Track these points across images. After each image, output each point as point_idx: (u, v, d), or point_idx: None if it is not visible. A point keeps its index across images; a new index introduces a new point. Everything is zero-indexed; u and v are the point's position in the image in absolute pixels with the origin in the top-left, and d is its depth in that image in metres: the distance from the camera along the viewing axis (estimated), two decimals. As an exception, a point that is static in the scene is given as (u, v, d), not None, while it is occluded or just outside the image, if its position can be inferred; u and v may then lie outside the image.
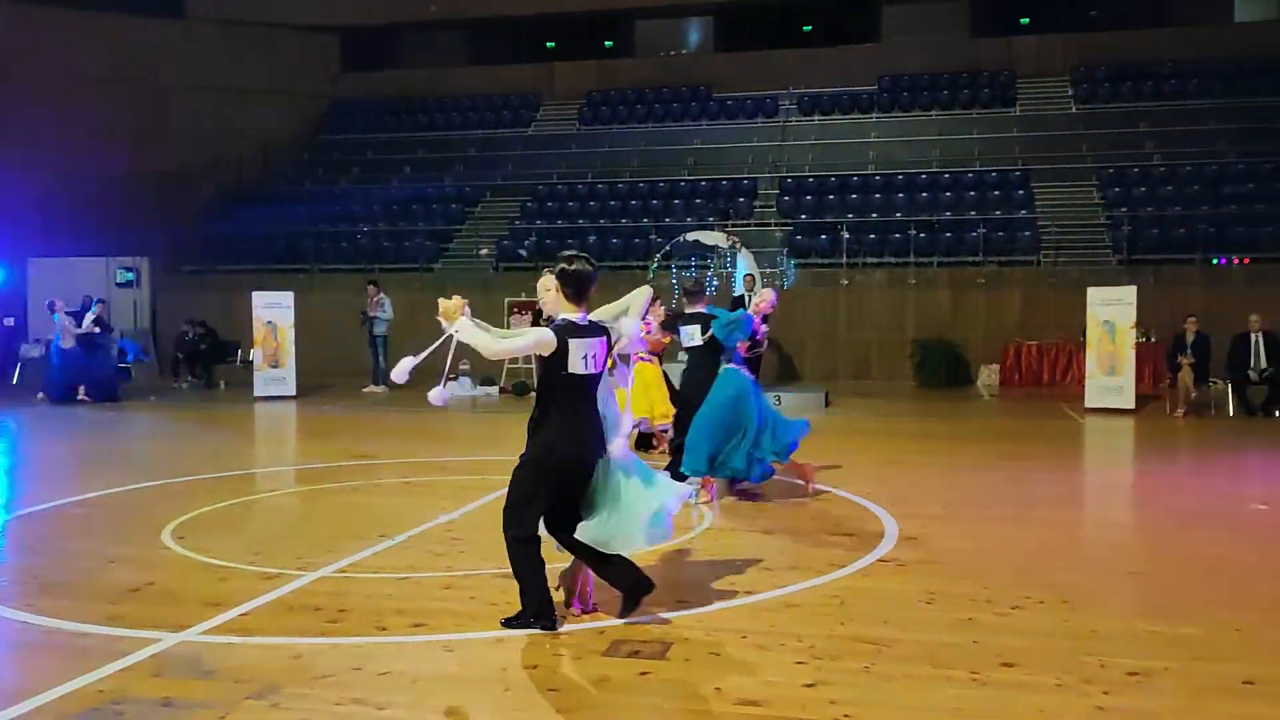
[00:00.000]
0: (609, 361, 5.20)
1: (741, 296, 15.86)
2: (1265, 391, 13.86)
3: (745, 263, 17.16)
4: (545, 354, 4.88)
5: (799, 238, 20.31)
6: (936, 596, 5.54)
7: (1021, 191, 20.91)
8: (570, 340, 4.86)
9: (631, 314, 5.23)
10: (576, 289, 4.96)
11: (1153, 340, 16.54)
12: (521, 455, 5.02)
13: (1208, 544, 6.91)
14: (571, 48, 28.49)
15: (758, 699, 4.16)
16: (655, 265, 18.51)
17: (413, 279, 20.37)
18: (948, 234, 19.76)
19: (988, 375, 18.20)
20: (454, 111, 27.28)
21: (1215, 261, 18.32)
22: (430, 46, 29.35)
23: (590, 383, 4.98)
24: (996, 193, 21.01)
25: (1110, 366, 14.50)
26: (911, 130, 23.63)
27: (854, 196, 21.63)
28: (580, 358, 4.88)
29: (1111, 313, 14.60)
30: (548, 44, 29.61)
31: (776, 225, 21.04)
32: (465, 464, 10.19)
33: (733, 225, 20.08)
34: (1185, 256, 18.39)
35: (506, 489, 5.05)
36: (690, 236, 18.17)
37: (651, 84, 26.83)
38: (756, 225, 20.88)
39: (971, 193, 21.07)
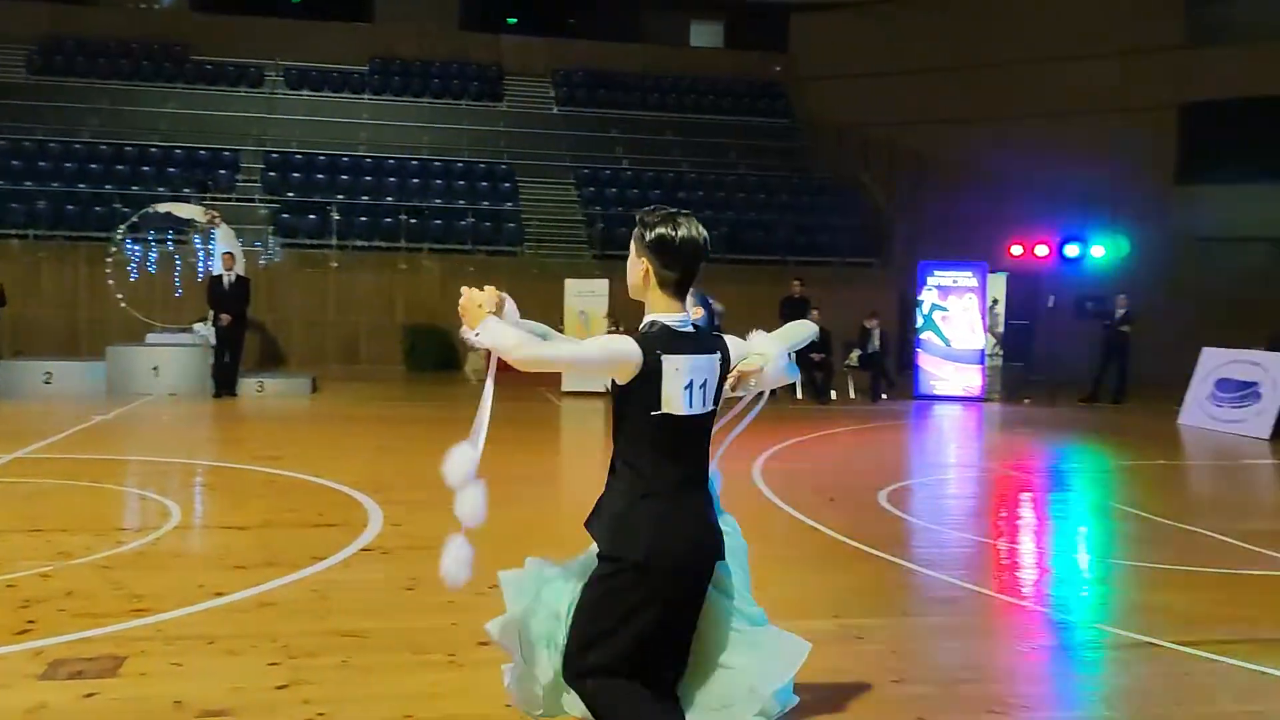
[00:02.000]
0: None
1: (220, 277, 14.83)
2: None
3: (224, 240, 16.09)
4: (624, 379, 2.85)
5: (285, 216, 19.50)
6: (418, 582, 5.56)
7: (508, 184, 21.82)
8: (665, 358, 2.83)
9: (778, 346, 3.24)
10: (681, 268, 2.89)
11: (621, 329, 18.01)
12: (599, 557, 3.00)
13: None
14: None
15: (224, 708, 3.88)
16: (119, 237, 16.74)
17: None
18: (438, 221, 20.07)
19: (475, 361, 18.74)
20: None
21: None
22: None
23: (698, 429, 2.95)
24: (485, 184, 21.73)
25: (584, 353, 15.58)
26: (403, 115, 23.65)
27: (344, 177, 21.20)
28: (681, 388, 2.84)
29: (586, 303, 15.73)
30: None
31: (261, 202, 20.02)
32: None
33: (212, 199, 18.75)
34: (648, 253, 20.27)
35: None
36: (162, 208, 16.74)
37: (118, 36, 24.19)
38: (239, 200, 19.71)
39: (461, 182, 21.59)
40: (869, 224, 21.95)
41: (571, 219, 21.36)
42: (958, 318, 16.87)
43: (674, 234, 2.85)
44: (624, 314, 17.91)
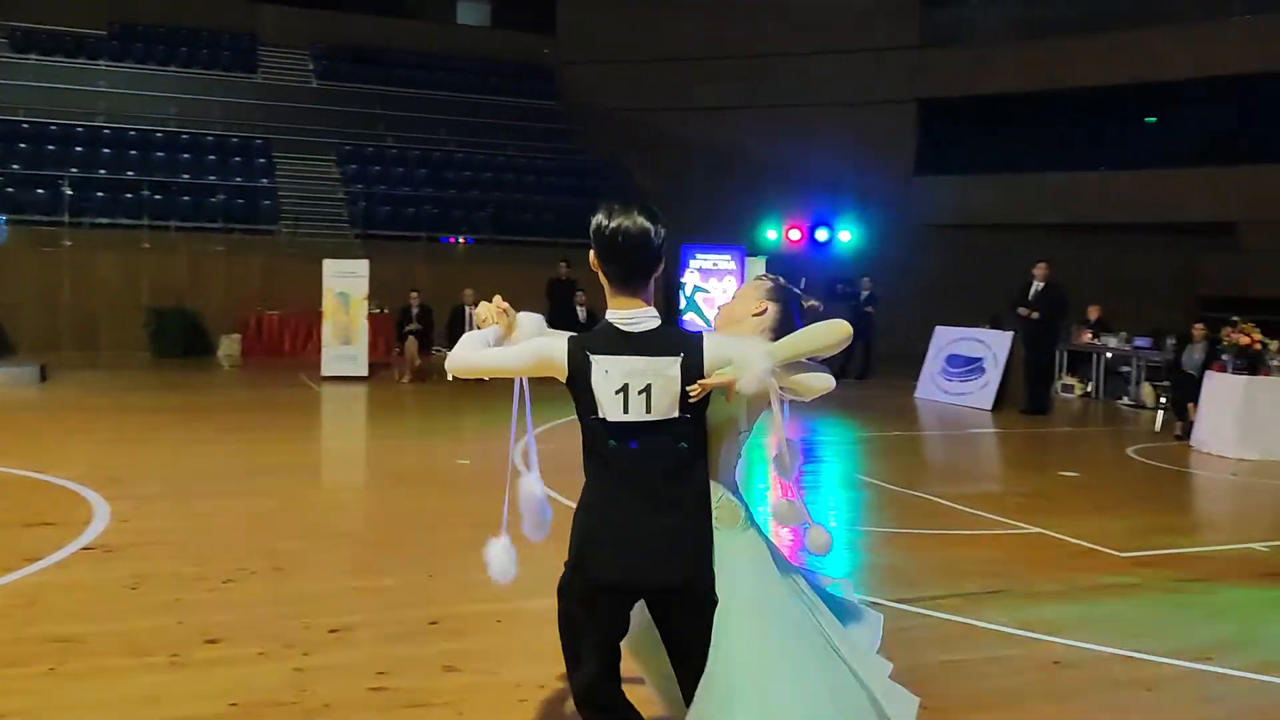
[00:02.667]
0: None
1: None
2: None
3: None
4: (562, 380, 2.70)
5: (10, 190, 17.88)
6: (143, 580, 5.25)
7: (263, 160, 20.83)
8: (595, 359, 2.64)
9: (764, 358, 2.68)
10: (617, 261, 2.68)
11: (384, 311, 17.63)
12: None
13: (416, 499, 7.55)
14: None
15: (-94, 730, 3.55)
16: None
17: None
18: (186, 197, 18.93)
19: (229, 345, 17.84)
20: None
21: (453, 240, 20.12)
22: None
23: (649, 438, 2.64)
24: (238, 159, 20.65)
25: (345, 336, 15.14)
26: (147, 84, 22.09)
27: (79, 149, 19.64)
28: (613, 392, 2.62)
29: (346, 284, 15.24)
30: None
31: (-19, 174, 18.28)
32: None
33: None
34: (413, 234, 19.90)
35: None
36: None
37: None
38: (-46, 172, 17.92)
39: (212, 157, 20.43)
40: (635, 207, 22.32)
41: (332, 197, 20.63)
42: (718, 300, 17.46)
43: (606, 224, 2.63)
44: (388, 295, 17.48)
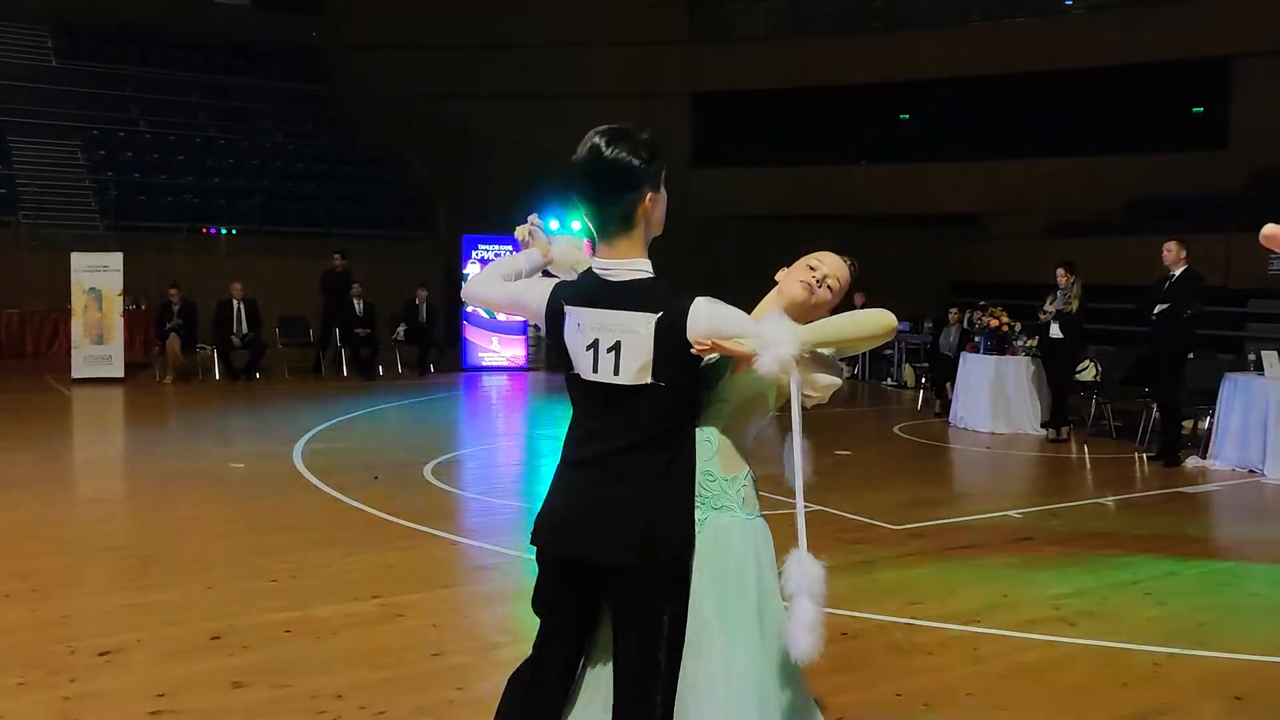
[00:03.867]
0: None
1: None
2: (246, 356, 14.81)
3: None
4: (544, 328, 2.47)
5: None
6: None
7: (-2, 144, 19.02)
8: (569, 309, 2.37)
9: (793, 338, 2.31)
10: (582, 196, 2.35)
11: (143, 307, 16.48)
12: None
13: (188, 506, 7.09)
14: None
15: None
16: None
17: None
18: (-96, 184, 17.06)
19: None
20: None
21: (215, 231, 18.95)
22: None
23: (617, 401, 2.33)
24: (-34, 142, 18.78)
25: (98, 335, 14.06)
26: None
27: None
28: (583, 347, 2.34)
29: (97, 279, 14.14)
30: None
31: None
32: None
33: None
34: (173, 225, 18.67)
35: None
36: None
37: None
38: None
39: (-65, 140, 18.49)
40: (413, 196, 21.82)
41: (78, 185, 19.08)
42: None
43: (575, 155, 2.31)
44: (145, 290, 16.36)
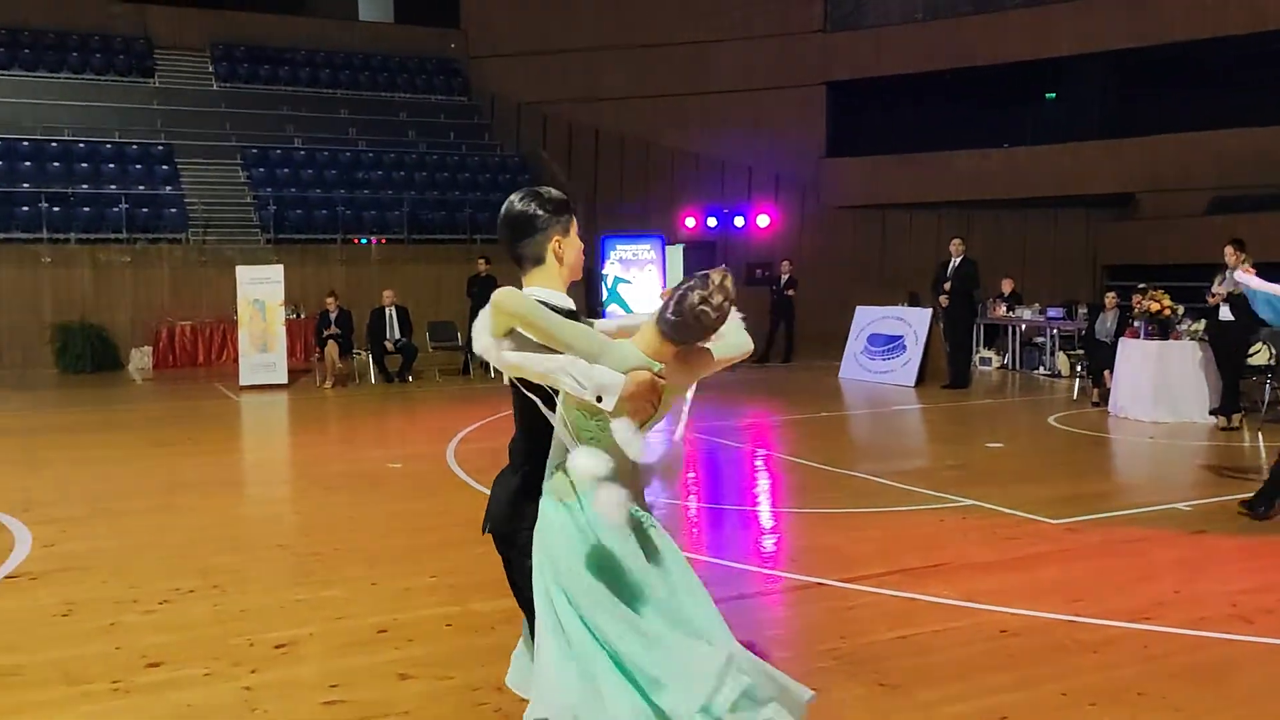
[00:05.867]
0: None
1: None
2: (399, 360, 15.35)
3: None
4: None
5: (-103, 208, 17.09)
6: (75, 606, 5.06)
7: (166, 166, 20.20)
8: None
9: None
10: (510, 245, 2.91)
11: (302, 316, 17.28)
12: None
13: (350, 507, 7.40)
14: None
15: None
16: None
17: None
18: (86, 208, 18.26)
19: (140, 359, 17.32)
20: None
21: (365, 241, 19.74)
22: None
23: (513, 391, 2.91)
24: (139, 166, 19.99)
25: (263, 343, 14.80)
26: (37, 92, 21.26)
27: (-32, 163, 18.83)
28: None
29: (261, 291, 14.88)
30: None
31: None
32: None
33: None
34: (327, 236, 19.51)
35: None
36: None
37: None
38: None
39: (111, 165, 19.75)
40: (552, 200, 22.18)
41: (241, 202, 20.12)
42: (641, 289, 17.47)
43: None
44: (304, 300, 17.18)
